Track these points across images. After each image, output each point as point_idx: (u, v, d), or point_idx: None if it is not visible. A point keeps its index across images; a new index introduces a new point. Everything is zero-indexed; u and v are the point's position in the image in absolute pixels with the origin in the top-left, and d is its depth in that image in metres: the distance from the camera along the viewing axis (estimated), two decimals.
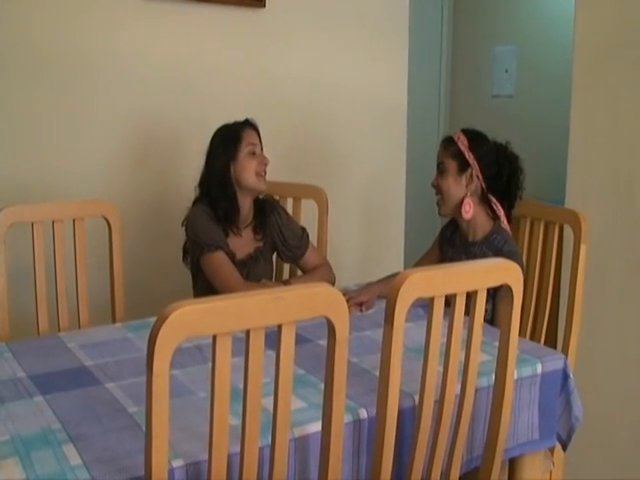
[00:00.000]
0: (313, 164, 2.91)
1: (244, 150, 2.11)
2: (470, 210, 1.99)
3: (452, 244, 2.13)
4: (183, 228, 2.13)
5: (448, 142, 2.03)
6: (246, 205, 2.16)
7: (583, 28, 2.49)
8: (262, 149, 2.17)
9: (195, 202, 2.15)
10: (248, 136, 2.13)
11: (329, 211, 2.47)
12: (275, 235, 2.24)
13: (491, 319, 1.90)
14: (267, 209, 2.23)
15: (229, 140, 2.12)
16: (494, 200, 2.02)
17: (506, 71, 4.36)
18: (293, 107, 2.82)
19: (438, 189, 2.04)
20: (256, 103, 2.68)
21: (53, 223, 2.02)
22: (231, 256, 2.09)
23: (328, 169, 2.98)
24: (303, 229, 2.31)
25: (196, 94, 2.61)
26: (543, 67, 4.10)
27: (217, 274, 2.05)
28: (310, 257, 2.29)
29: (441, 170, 2.02)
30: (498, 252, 1.96)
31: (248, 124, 2.16)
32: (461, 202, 2.00)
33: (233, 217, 2.13)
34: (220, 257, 2.05)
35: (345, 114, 2.99)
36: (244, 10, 2.67)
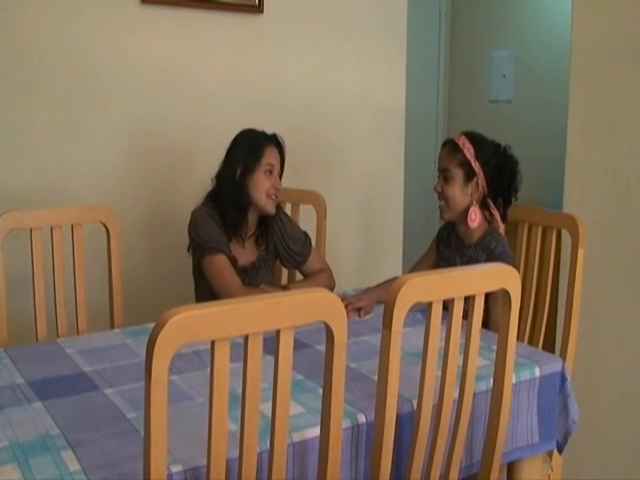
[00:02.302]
0: (312, 169, 2.92)
1: (262, 167, 2.09)
2: (477, 219, 2.01)
3: (448, 245, 2.14)
4: (185, 232, 2.13)
5: (453, 148, 2.02)
6: (253, 219, 2.16)
7: (581, 33, 2.49)
8: (282, 171, 2.16)
9: (207, 197, 2.14)
10: (269, 154, 2.10)
11: (327, 216, 2.47)
12: (278, 242, 2.24)
13: (485, 320, 1.90)
14: (269, 217, 2.22)
15: (250, 152, 2.09)
16: (492, 204, 2.03)
17: (504, 76, 4.38)
18: (291, 112, 2.83)
19: (442, 196, 2.04)
20: (255, 108, 2.69)
21: (52, 229, 2.02)
22: (233, 261, 2.09)
23: (326, 173, 2.99)
24: (306, 235, 2.30)
25: (195, 100, 2.61)
26: (541, 72, 4.11)
27: (217, 277, 2.05)
28: (312, 263, 2.28)
29: (446, 177, 2.02)
30: (490, 253, 1.98)
31: (274, 141, 2.14)
32: (465, 209, 2.01)
33: (239, 228, 2.13)
34: (221, 260, 2.05)
35: (343, 118, 3.00)
36: (242, 16, 2.68)
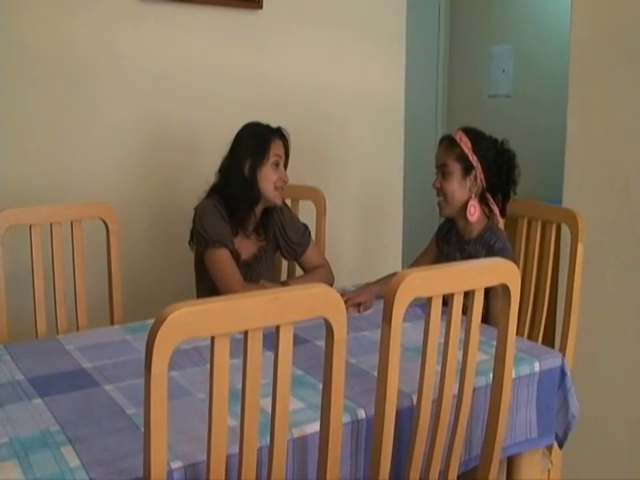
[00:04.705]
0: (311, 165, 2.91)
1: (270, 160, 2.10)
2: (475, 213, 2.01)
3: (448, 241, 2.15)
4: (185, 228, 2.14)
5: (450, 143, 2.03)
6: (258, 211, 2.18)
7: (580, 27, 2.49)
8: (287, 164, 2.17)
9: (211, 191, 2.14)
10: (276, 146, 2.12)
11: (327, 212, 2.47)
12: (277, 232, 2.25)
13: (485, 316, 1.90)
14: (270, 208, 2.22)
15: (257, 145, 2.10)
16: (491, 199, 2.04)
17: (503, 71, 4.37)
18: (291, 108, 2.82)
19: (441, 191, 2.04)
20: (253, 104, 2.69)
21: (51, 225, 2.02)
22: (236, 256, 2.10)
23: (326, 170, 2.98)
24: (305, 226, 2.31)
25: (193, 95, 2.61)
26: (540, 67, 4.11)
27: (218, 270, 2.06)
28: (311, 255, 2.29)
29: (444, 173, 2.02)
30: (490, 249, 1.99)
31: (279, 134, 2.14)
32: (464, 204, 2.01)
33: (247, 221, 2.14)
34: (223, 254, 2.06)
35: (343, 115, 2.99)
36: (241, 11, 2.67)
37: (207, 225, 2.07)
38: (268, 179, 2.11)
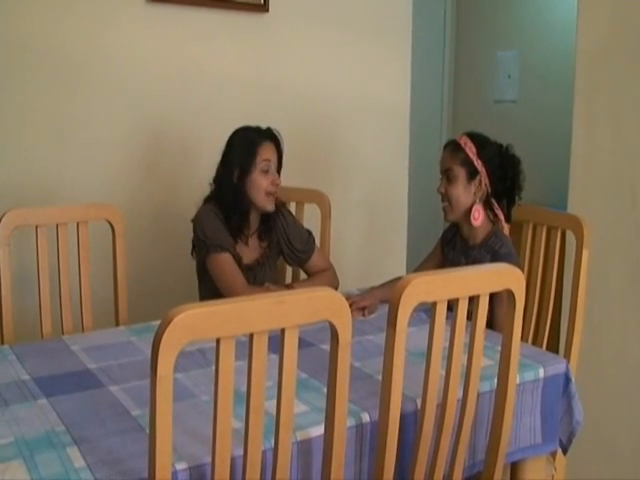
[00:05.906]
0: (316, 169, 2.92)
1: (258, 165, 2.09)
2: (480, 217, 2.01)
3: (453, 246, 2.15)
4: (189, 230, 2.14)
5: (455, 148, 2.03)
6: (254, 217, 2.18)
7: (585, 33, 2.49)
8: (280, 166, 2.16)
9: (207, 199, 2.15)
10: (264, 151, 2.10)
11: (332, 215, 2.47)
12: (281, 239, 2.25)
13: (489, 321, 1.90)
14: (272, 213, 2.22)
15: (245, 152, 2.09)
16: (496, 204, 2.04)
17: (509, 76, 4.37)
18: (296, 112, 2.83)
19: (446, 196, 2.04)
20: (259, 108, 2.69)
21: (57, 226, 2.03)
22: (238, 259, 2.10)
23: (331, 174, 2.99)
24: (309, 232, 2.31)
25: (200, 99, 2.62)
26: (546, 72, 4.10)
27: (222, 275, 2.06)
28: (316, 261, 2.29)
29: (449, 177, 2.02)
30: (495, 254, 1.99)
31: (268, 136, 2.12)
32: (469, 209, 2.02)
33: (243, 228, 2.14)
34: (226, 258, 2.06)
35: (348, 119, 3.00)
36: (248, 15, 2.68)
37: (207, 230, 2.07)
38: (257, 187, 2.10)
